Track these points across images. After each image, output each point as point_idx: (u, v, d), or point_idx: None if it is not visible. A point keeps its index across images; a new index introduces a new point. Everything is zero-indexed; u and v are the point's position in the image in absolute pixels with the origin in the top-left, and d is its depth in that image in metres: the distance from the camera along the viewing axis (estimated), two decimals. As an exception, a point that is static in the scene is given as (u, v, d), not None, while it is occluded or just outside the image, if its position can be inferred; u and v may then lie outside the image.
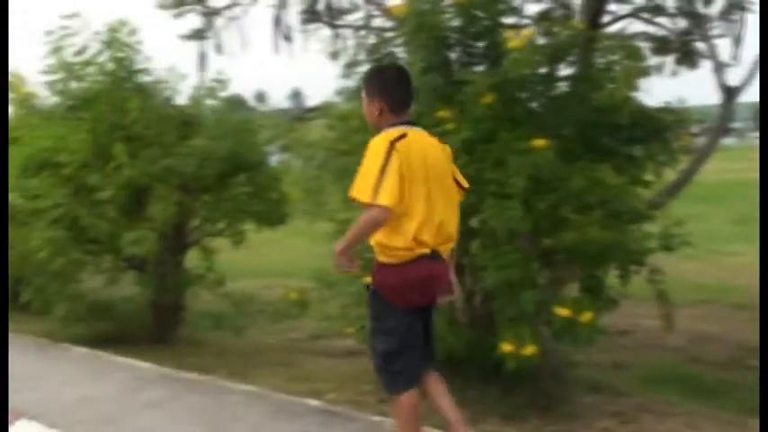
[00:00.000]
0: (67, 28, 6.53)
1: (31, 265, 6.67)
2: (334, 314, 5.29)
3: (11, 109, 8.31)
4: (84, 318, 6.97)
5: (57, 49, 6.60)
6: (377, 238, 3.35)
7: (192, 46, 7.38)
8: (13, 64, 8.41)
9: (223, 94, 6.80)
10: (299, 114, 7.69)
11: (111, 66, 6.49)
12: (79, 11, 6.47)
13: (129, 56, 6.50)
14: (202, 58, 7.53)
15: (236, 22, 7.54)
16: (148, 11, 7.11)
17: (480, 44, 4.65)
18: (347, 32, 6.60)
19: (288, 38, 7.46)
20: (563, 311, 4.10)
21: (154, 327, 7.11)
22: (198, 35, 7.49)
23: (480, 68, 4.66)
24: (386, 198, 3.13)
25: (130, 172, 6.28)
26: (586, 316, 4.05)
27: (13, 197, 6.58)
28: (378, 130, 3.44)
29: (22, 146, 6.95)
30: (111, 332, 7.08)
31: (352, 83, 4.99)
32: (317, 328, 7.55)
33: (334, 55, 5.21)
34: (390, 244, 3.30)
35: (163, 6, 6.85)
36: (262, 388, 5.13)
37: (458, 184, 3.58)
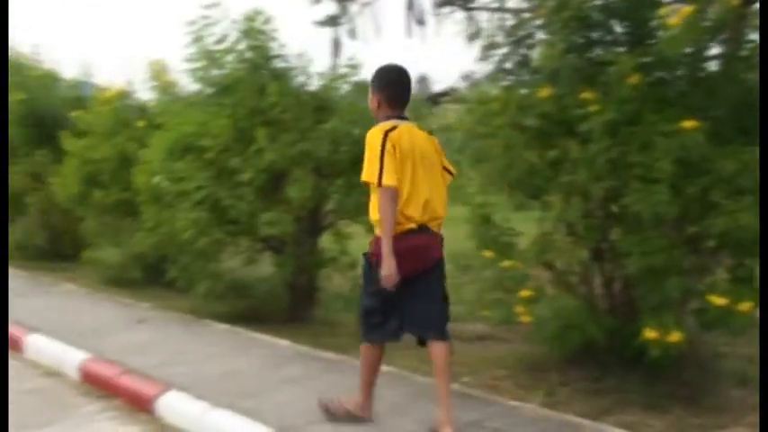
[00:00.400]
0: (208, 18, 6.76)
1: (176, 245, 7.00)
2: (469, 298, 5.28)
3: (154, 95, 8.73)
4: (224, 295, 7.25)
5: (198, 39, 6.84)
6: (373, 215, 4.00)
7: (327, 32, 7.47)
8: (157, 52, 8.81)
9: (355, 78, 6.87)
10: (432, 98, 7.68)
11: (249, 53, 6.67)
12: (219, 1, 6.67)
13: (266, 43, 6.66)
14: (336, 44, 7.62)
15: (369, 7, 7.59)
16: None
17: (625, 23, 4.52)
18: (482, 15, 6.53)
19: (421, 21, 7.46)
20: (719, 300, 3.95)
21: (289, 306, 7.28)
22: (332, 21, 7.58)
23: (622, 49, 4.54)
24: (389, 179, 3.84)
25: (270, 155, 6.44)
26: (745, 305, 3.89)
27: (160, 180, 6.90)
28: (377, 120, 4.12)
29: (166, 131, 7.28)
30: (249, 310, 7.30)
31: (490, 65, 4.95)
32: (449, 311, 7.58)
33: (472, 37, 5.18)
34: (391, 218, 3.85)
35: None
36: (398, 369, 5.19)
37: (447, 170, 4.22)
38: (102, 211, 9.07)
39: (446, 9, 7.12)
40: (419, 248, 3.93)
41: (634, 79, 4.16)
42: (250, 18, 6.59)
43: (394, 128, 3.96)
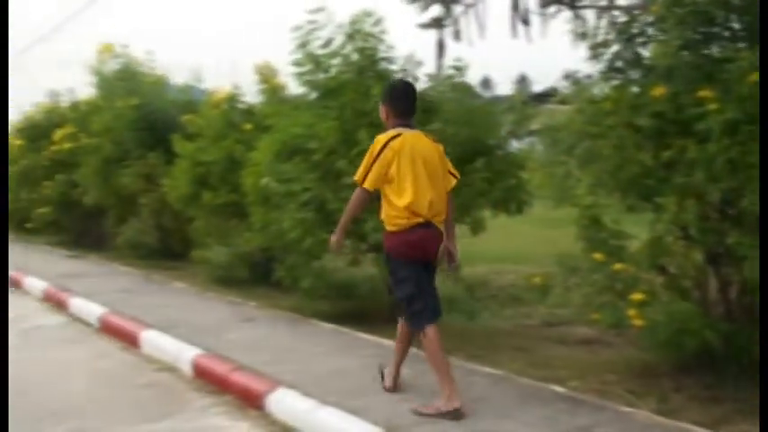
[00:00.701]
0: (314, 22, 6.87)
1: (283, 245, 7.14)
2: (577, 301, 5.18)
3: (262, 99, 8.93)
4: (328, 295, 7.35)
5: (304, 43, 6.96)
6: (384, 213, 4.61)
7: (432, 34, 7.46)
8: (265, 57, 9.02)
9: (461, 80, 6.85)
10: (536, 98, 7.58)
11: (355, 56, 6.74)
12: (324, 5, 6.77)
13: (373, 45, 6.71)
14: (440, 46, 7.61)
15: (473, 8, 7.55)
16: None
17: (744, 18, 4.36)
18: (590, 13, 6.40)
19: (525, 21, 7.37)
20: None
21: (390, 307, 7.32)
22: (436, 23, 7.58)
23: (741, 45, 4.38)
24: (369, 184, 4.53)
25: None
26: None
27: (268, 181, 7.05)
28: (386, 128, 4.71)
29: (274, 133, 7.44)
30: (352, 310, 7.39)
31: (600, 64, 4.86)
32: (549, 314, 7.49)
33: (581, 36, 5.08)
34: (393, 216, 4.51)
35: (411, 1, 7.03)
36: (504, 371, 5.15)
37: (452, 174, 4.78)
38: (210, 211, 9.34)
39: (552, 8, 7.01)
40: (427, 239, 4.54)
41: (755, 76, 4.00)
42: (358, 20, 6.65)
43: (398, 136, 4.54)
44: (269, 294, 8.19)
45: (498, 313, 7.88)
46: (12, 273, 11.10)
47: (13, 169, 15.41)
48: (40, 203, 14.36)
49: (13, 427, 4.95)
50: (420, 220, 4.47)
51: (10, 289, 9.86)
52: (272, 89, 8.26)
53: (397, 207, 4.48)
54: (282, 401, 4.80)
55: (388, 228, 4.57)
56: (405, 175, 4.45)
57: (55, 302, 9.04)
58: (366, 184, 4.54)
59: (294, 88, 7.78)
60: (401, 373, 4.92)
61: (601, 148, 4.68)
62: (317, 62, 6.91)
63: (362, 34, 6.67)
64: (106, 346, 7.05)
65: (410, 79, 6.97)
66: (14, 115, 16.32)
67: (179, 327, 6.91)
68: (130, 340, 6.88)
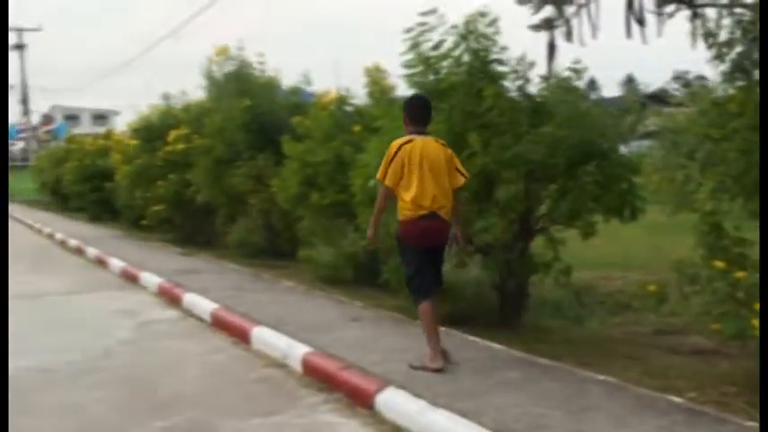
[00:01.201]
0: (425, 24, 6.88)
1: (390, 246, 7.17)
2: (695, 309, 5.01)
3: (370, 101, 9.01)
4: (435, 297, 7.33)
5: (415, 45, 6.98)
6: (398, 206, 5.54)
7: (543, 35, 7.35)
8: (375, 59, 9.10)
9: (577, 82, 6.73)
10: (653, 98, 7.38)
11: (467, 57, 6.71)
12: (436, 7, 6.77)
13: (486, 46, 6.67)
14: (551, 48, 7.49)
15: (585, 8, 7.41)
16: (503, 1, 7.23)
17: None
18: (711, 12, 6.18)
19: (641, 21, 7.18)
20: None
21: (497, 310, 7.26)
22: (547, 24, 7.47)
23: None
24: (388, 181, 5.48)
25: (483, 159, 6.46)
26: None
27: (376, 182, 7.09)
28: (405, 133, 5.64)
29: (382, 135, 7.48)
30: (457, 312, 7.35)
31: (725, 65, 4.69)
32: (660, 322, 7.27)
33: (706, 37, 4.91)
34: (402, 208, 5.47)
35: (522, 2, 6.97)
36: (618, 380, 5.03)
37: (460, 172, 5.65)
38: (317, 212, 9.48)
39: (670, 7, 6.81)
40: (431, 228, 5.46)
41: None
42: (472, 21, 6.61)
43: (410, 141, 5.49)
44: (374, 295, 8.25)
45: (607, 320, 7.70)
46: (128, 268, 11.59)
47: (128, 168, 16.07)
48: (154, 202, 14.90)
49: (131, 415, 5.17)
50: (424, 212, 5.42)
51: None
52: (381, 91, 8.32)
53: (405, 200, 5.45)
54: (392, 401, 4.83)
55: (399, 218, 5.55)
56: (412, 173, 5.40)
57: (169, 297, 9.36)
58: (386, 182, 5.51)
59: (403, 90, 7.80)
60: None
61: (724, 151, 4.52)
62: (427, 64, 6.91)
63: (476, 35, 6.62)
64: (218, 340, 7.25)
65: (521, 81, 6.92)
66: (131, 116, 17.00)
67: (288, 324, 7.05)
68: (241, 336, 7.05)
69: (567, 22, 7.51)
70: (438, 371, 5.32)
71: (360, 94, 9.87)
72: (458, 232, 5.74)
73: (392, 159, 5.46)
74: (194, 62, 13.24)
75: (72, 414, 5.26)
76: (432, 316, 5.52)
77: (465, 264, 7.30)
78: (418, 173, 5.39)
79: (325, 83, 12.43)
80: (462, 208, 5.86)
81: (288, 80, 12.63)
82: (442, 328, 6.69)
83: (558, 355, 5.78)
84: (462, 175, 5.66)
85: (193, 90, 15.64)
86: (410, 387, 4.98)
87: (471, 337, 6.32)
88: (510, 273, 6.98)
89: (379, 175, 5.60)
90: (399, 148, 5.47)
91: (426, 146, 5.49)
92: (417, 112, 5.70)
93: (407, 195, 5.42)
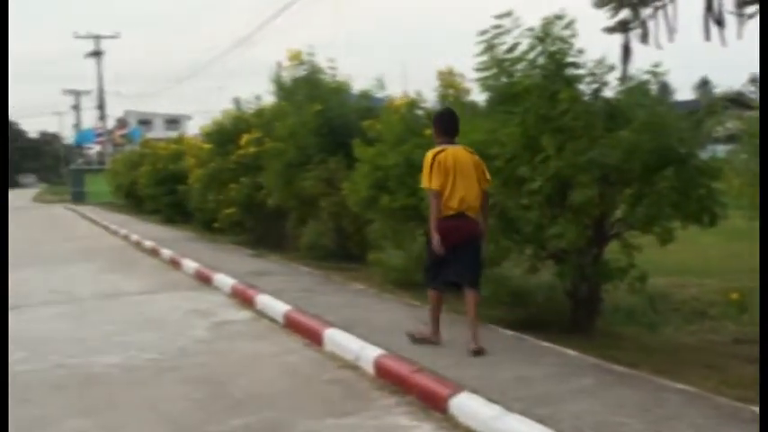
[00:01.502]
0: (500, 27, 6.86)
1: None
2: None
3: (442, 104, 9.01)
4: (506, 302, 7.32)
5: (489, 48, 6.97)
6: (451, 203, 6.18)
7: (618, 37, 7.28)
8: (444, 62, 9.11)
9: (654, 86, 6.63)
10: (732, 101, 7.20)
11: (542, 60, 6.68)
12: (512, 9, 6.75)
13: (562, 49, 6.61)
14: (626, 50, 7.41)
15: (662, 10, 7.29)
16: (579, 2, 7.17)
17: None
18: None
19: (720, 23, 7.04)
20: None
21: (569, 316, 7.19)
22: (622, 27, 7.38)
23: None
24: (434, 185, 6.16)
25: (557, 163, 6.41)
26: None
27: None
28: (435, 144, 6.45)
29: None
30: (528, 317, 7.32)
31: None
32: (739, 331, 7.09)
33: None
34: (438, 207, 6.17)
35: (599, 5, 6.92)
36: (697, 389, 4.93)
37: (485, 177, 6.35)
38: (388, 215, 9.50)
39: (750, 8, 6.66)
40: (458, 227, 6.17)
41: None
42: (549, 22, 6.57)
43: (442, 150, 6.27)
44: (445, 299, 8.23)
45: (682, 327, 7.54)
46: (202, 269, 11.83)
47: (201, 172, 16.40)
48: (226, 205, 15.17)
49: (209, 413, 5.30)
50: (452, 212, 6.17)
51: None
52: (453, 95, 8.31)
53: (441, 205, 6.19)
54: (466, 405, 4.83)
55: (439, 212, 6.21)
56: (447, 178, 6.17)
57: (242, 299, 9.53)
58: (434, 186, 6.18)
59: (475, 94, 7.80)
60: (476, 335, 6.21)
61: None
62: (500, 66, 6.89)
63: (553, 38, 6.58)
64: (291, 342, 7.36)
65: (596, 84, 6.85)
66: (202, 121, 17.37)
67: (359, 326, 7.11)
68: (314, 337, 7.14)
69: (644, 24, 7.44)
70: (434, 344, 6.41)
71: (431, 98, 9.89)
72: (483, 229, 6.43)
73: (432, 167, 6.20)
74: (265, 67, 13.45)
75: (154, 410, 5.42)
76: (436, 302, 6.48)
77: (537, 269, 7.26)
78: (452, 179, 6.17)
79: (393, 86, 12.48)
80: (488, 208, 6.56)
81: (358, 84, 12.75)
82: (515, 333, 6.72)
83: (634, 363, 5.70)
84: (487, 179, 6.38)
85: (264, 95, 15.97)
86: (484, 392, 4.97)
87: (545, 343, 6.27)
88: (582, 278, 6.91)
89: (424, 184, 6.31)
90: (434, 157, 6.23)
91: (456, 154, 6.27)
92: (447, 125, 6.48)
93: (443, 194, 6.21)
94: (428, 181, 6.22)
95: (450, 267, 6.25)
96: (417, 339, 6.49)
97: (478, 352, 6.01)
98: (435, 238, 6.16)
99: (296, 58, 12.45)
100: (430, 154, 6.29)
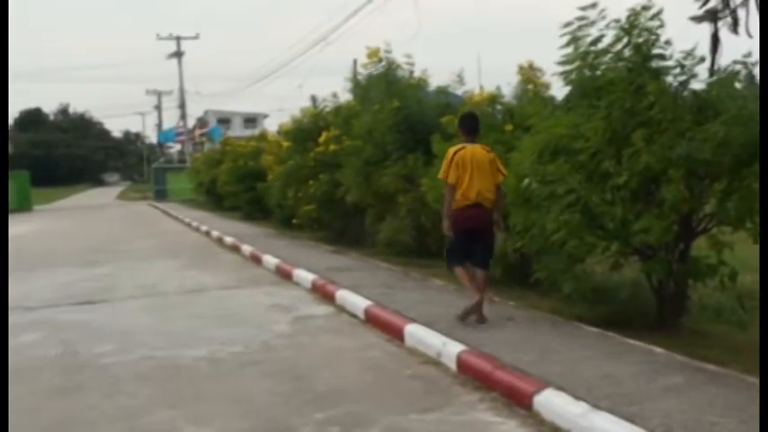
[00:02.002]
0: (584, 18, 6.75)
1: (543, 247, 7.10)
2: None
3: (523, 99, 8.93)
4: (588, 299, 7.20)
5: (573, 40, 6.87)
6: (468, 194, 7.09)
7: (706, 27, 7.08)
8: (529, 56, 9.01)
9: (745, 76, 6.41)
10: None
11: (628, 52, 6.54)
12: (597, 1, 6.63)
13: (649, 40, 6.46)
14: (715, 40, 7.21)
15: (754, -2, 7.07)
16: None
17: None
18: None
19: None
20: None
21: (655, 313, 7.03)
22: (711, 16, 7.19)
23: None
24: (450, 179, 7.10)
25: (646, 158, 6.27)
26: None
27: (530, 182, 7.04)
28: (458, 142, 7.45)
29: (536, 133, 7.41)
30: (610, 314, 7.19)
31: None
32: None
33: None
34: (454, 199, 7.14)
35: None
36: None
37: (500, 171, 7.29)
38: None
39: None
40: (475, 215, 7.15)
41: None
42: (636, 13, 6.43)
43: (462, 148, 7.22)
44: (525, 295, 8.18)
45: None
46: (282, 264, 12.00)
47: (280, 169, 16.63)
48: (305, 201, 15.35)
49: (292, 406, 5.36)
50: (469, 202, 7.12)
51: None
52: (534, 89, 8.22)
53: (456, 193, 7.15)
54: (551, 402, 4.77)
55: (452, 206, 7.21)
56: (463, 174, 7.10)
57: (322, 294, 9.63)
58: (450, 180, 7.16)
59: (559, 88, 7.68)
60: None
61: None
62: (584, 59, 6.78)
63: (639, 29, 6.43)
64: (372, 337, 7.39)
65: (684, 77, 6.66)
66: (279, 119, 17.63)
67: (440, 322, 7.09)
68: (395, 333, 7.16)
69: (734, 12, 7.22)
70: (473, 307, 7.09)
71: (508, 93, 9.82)
72: (498, 219, 7.39)
73: (450, 163, 7.16)
74: (342, 65, 13.54)
75: (239, 402, 5.51)
76: (464, 273, 7.27)
77: (620, 265, 7.12)
78: (469, 174, 7.09)
79: (469, 81, 12.38)
80: (501, 201, 7.41)
81: (436, 80, 12.73)
82: (599, 330, 6.61)
83: (723, 361, 5.54)
84: (501, 173, 7.31)
85: (341, 92, 16.11)
86: (569, 389, 4.91)
87: (630, 341, 6.14)
88: (670, 275, 6.75)
89: (441, 176, 7.31)
90: (455, 154, 7.19)
91: (474, 152, 7.19)
92: (468, 126, 7.43)
93: (458, 190, 7.12)
94: (445, 174, 7.21)
95: (469, 250, 7.24)
96: (463, 316, 7.16)
97: (479, 318, 7.11)
98: (446, 224, 7.26)
99: (374, 55, 12.50)
100: (451, 150, 7.26)
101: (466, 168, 7.08)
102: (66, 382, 6.25)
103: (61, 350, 7.34)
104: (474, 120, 7.49)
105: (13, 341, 7.79)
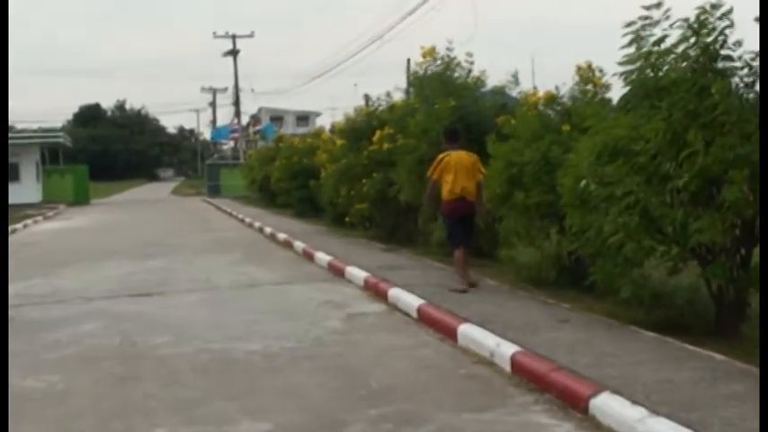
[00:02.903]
0: (648, 18, 6.65)
1: (599, 249, 7.02)
2: None
3: (581, 99, 8.82)
4: (645, 303, 7.09)
5: (636, 39, 6.77)
6: (442, 192, 9.27)
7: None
8: (588, 57, 8.91)
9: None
10: None
11: (693, 52, 6.41)
12: (662, 0, 6.53)
13: (717, 40, 6.32)
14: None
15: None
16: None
17: None
18: None
19: None
20: None
21: (713, 319, 6.89)
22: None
23: None
24: (435, 176, 9.28)
25: (705, 159, 6.15)
26: None
27: (587, 183, 6.95)
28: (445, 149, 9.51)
29: (594, 134, 7.31)
30: (668, 319, 7.06)
31: None
32: None
33: None
34: (444, 195, 9.20)
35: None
36: None
37: (481, 171, 9.32)
38: (521, 212, 9.40)
39: None
40: (461, 207, 9.14)
41: None
42: (704, 12, 6.30)
43: (448, 154, 9.23)
44: (580, 298, 8.08)
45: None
46: (334, 262, 12.06)
47: (334, 167, 16.71)
48: (358, 200, 15.39)
49: (346, 402, 5.39)
50: (455, 196, 9.13)
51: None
52: (593, 90, 8.12)
53: (445, 190, 9.20)
54: (608, 406, 4.71)
55: (443, 200, 9.30)
56: (449, 174, 9.14)
57: (374, 291, 9.66)
58: (434, 177, 9.32)
59: (619, 88, 7.57)
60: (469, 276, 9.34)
61: None
62: (647, 59, 6.68)
63: (708, 29, 6.30)
64: (425, 335, 7.40)
65: (752, 78, 6.50)
66: (331, 117, 17.80)
67: (493, 323, 7.06)
68: (447, 332, 7.15)
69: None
70: (463, 291, 8.92)
71: (565, 93, 9.70)
72: (480, 208, 9.48)
73: (438, 165, 9.28)
74: (395, 64, 13.54)
75: (294, 397, 5.56)
76: (461, 258, 9.25)
77: (679, 270, 6.99)
78: (453, 174, 9.15)
79: (523, 81, 12.27)
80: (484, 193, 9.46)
81: (491, 81, 12.66)
82: (656, 335, 6.50)
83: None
84: (482, 173, 9.38)
85: (395, 91, 16.13)
86: (627, 393, 4.84)
87: (690, 346, 6.03)
88: (731, 280, 6.61)
89: (429, 174, 9.51)
90: (442, 158, 9.31)
91: (459, 156, 9.29)
92: (451, 137, 9.68)
93: (446, 187, 9.22)
94: (431, 172, 9.44)
95: (462, 233, 9.34)
96: (452, 290, 8.94)
97: (473, 284, 9.19)
98: (426, 206, 10.57)
99: (429, 54, 12.48)
100: (440, 156, 9.42)
101: (450, 170, 9.15)
102: (126, 372, 6.38)
103: (120, 340, 7.50)
104: (456, 132, 9.79)
105: (74, 330, 8.00)
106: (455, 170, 9.07)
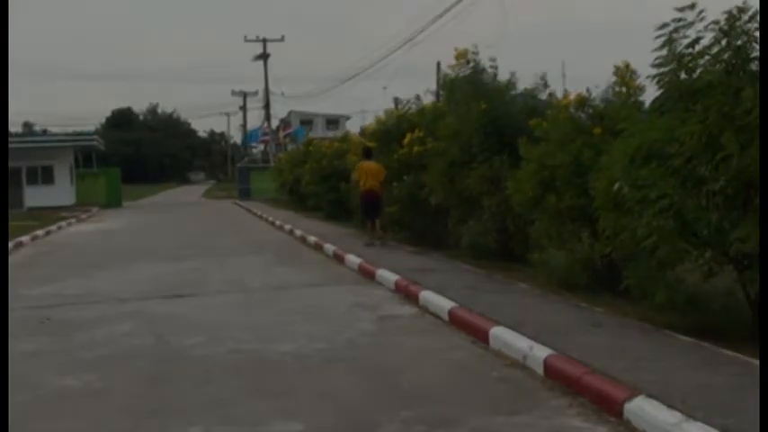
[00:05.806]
0: (681, 20, 6.60)
1: (633, 253, 6.97)
2: None
3: (614, 102, 8.77)
4: (680, 307, 7.02)
5: (669, 41, 6.72)
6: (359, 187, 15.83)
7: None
8: (627, 58, 8.84)
9: None
10: None
11: (726, 55, 6.36)
12: (695, 1, 6.47)
13: (748, 43, 6.27)
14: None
15: None
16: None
17: None
18: None
19: None
20: None
21: (750, 324, 6.81)
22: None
23: None
24: (354, 178, 16.18)
25: (740, 162, 6.09)
26: None
27: (621, 186, 6.91)
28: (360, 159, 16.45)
29: (628, 137, 7.26)
30: (703, 324, 6.98)
31: None
32: None
33: None
34: (361, 187, 15.62)
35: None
36: None
37: (382, 173, 15.55)
38: (553, 215, 9.36)
39: None
40: (369, 194, 15.31)
41: None
42: (733, 16, 6.25)
43: (364, 163, 15.58)
44: (613, 302, 8.02)
45: None
46: (365, 264, 12.09)
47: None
48: (389, 202, 15.42)
49: (379, 404, 5.41)
50: (366, 189, 15.21)
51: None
52: (626, 92, 8.06)
53: (360, 185, 15.36)
54: (643, 410, 4.67)
55: (360, 191, 15.58)
56: (362, 176, 15.25)
57: (405, 294, 9.66)
58: (355, 179, 15.90)
59: (652, 91, 7.52)
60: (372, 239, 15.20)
61: None
62: (681, 61, 6.63)
63: (738, 31, 6.24)
64: (456, 338, 7.39)
65: None
66: (360, 121, 18.10)
67: (526, 326, 7.03)
68: (479, 335, 7.13)
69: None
70: (371, 245, 14.90)
71: (596, 96, 9.64)
72: (381, 195, 15.12)
73: (358, 170, 15.37)
74: (424, 68, 13.59)
75: (325, 397, 5.59)
76: (370, 226, 15.51)
77: (714, 274, 6.93)
78: (365, 175, 15.11)
79: (552, 83, 12.20)
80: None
81: (521, 83, 12.62)
82: (692, 339, 6.43)
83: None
84: (383, 174, 15.12)
85: (424, 95, 16.15)
86: (662, 397, 4.80)
87: (726, 351, 5.96)
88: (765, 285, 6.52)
89: (353, 177, 16.20)
90: (360, 166, 15.47)
91: (369, 165, 15.28)
92: (366, 154, 15.72)
93: (361, 183, 15.16)
94: (355, 176, 15.57)
95: (369, 212, 15.40)
96: (367, 244, 14.87)
97: (370, 244, 14.91)
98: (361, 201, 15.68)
99: (461, 57, 12.47)
100: (358, 164, 15.70)
101: (363, 174, 15.20)
102: (160, 371, 6.45)
103: (154, 341, 7.59)
104: (369, 150, 15.84)
105: (108, 330, 8.11)
106: (366, 174, 15.17)
